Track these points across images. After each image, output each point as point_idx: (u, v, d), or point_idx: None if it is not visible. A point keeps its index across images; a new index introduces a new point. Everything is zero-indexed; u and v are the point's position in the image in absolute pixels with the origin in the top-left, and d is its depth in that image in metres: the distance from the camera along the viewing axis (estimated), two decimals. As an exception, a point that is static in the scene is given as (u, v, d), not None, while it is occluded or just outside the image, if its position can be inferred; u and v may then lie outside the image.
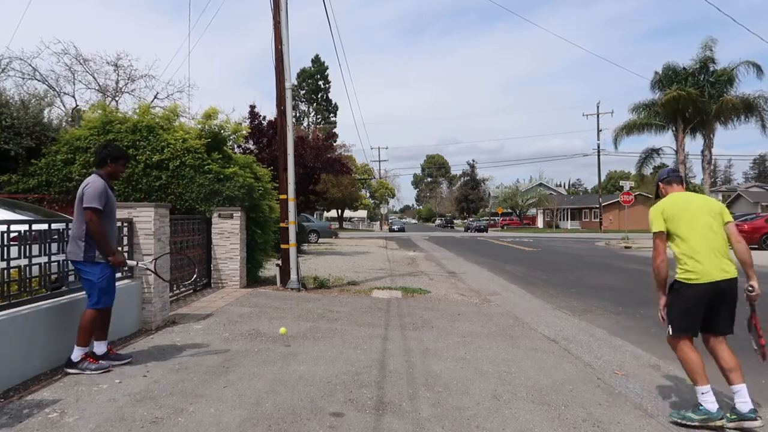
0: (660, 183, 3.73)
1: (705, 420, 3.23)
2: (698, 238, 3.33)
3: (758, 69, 29.52)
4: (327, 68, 61.97)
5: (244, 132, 10.96)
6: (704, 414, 3.24)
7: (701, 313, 3.36)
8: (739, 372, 3.34)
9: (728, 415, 3.27)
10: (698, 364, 3.34)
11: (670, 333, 3.43)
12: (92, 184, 4.01)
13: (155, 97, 19.89)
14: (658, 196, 3.73)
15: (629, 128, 33.62)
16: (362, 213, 76.11)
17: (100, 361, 4.10)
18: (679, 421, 3.30)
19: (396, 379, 4.09)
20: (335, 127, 57.33)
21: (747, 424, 3.18)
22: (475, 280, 11.49)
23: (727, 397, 3.55)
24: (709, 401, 3.26)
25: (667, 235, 3.44)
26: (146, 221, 5.46)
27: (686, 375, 3.47)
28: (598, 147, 48.10)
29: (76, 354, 4.01)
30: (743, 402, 3.23)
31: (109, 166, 4.21)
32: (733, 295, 3.38)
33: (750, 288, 3.36)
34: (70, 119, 10.24)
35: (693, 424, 3.25)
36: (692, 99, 29.63)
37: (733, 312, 3.43)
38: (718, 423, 3.22)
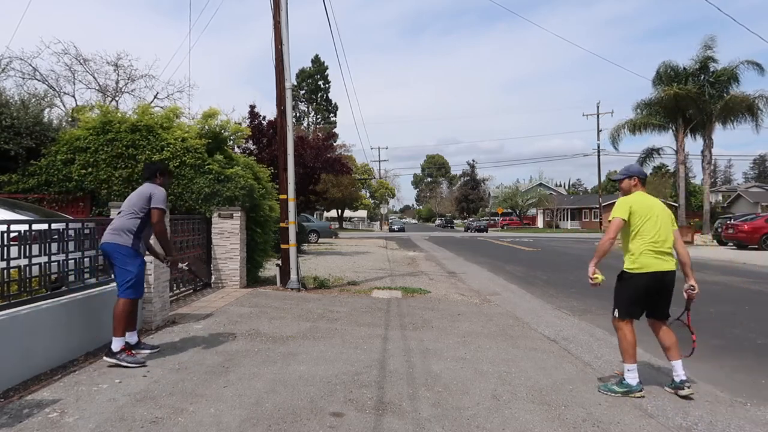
0: (637, 178, 4.07)
1: (626, 392, 3.77)
2: (655, 235, 3.83)
3: (759, 68, 29.46)
4: (327, 68, 62.00)
5: (245, 133, 10.96)
6: (626, 387, 3.79)
7: (644, 299, 3.88)
8: (676, 351, 3.89)
9: (669, 383, 3.94)
10: (632, 344, 3.85)
11: (617, 316, 3.92)
12: (158, 189, 4.43)
13: (155, 97, 19.91)
14: (621, 188, 4.14)
15: (630, 126, 33.58)
16: (362, 213, 76.08)
17: (137, 356, 4.30)
18: (604, 393, 3.82)
19: (396, 379, 4.09)
20: (335, 127, 57.37)
21: (679, 392, 3.82)
22: (475, 280, 11.49)
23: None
24: (632, 377, 3.82)
25: (625, 227, 3.92)
26: (146, 221, 5.45)
27: (621, 354, 3.92)
28: (598, 147, 48.11)
29: (116, 345, 4.19)
30: (677, 375, 3.86)
31: (158, 179, 4.61)
32: (671, 285, 3.88)
33: (691, 287, 3.91)
34: (70, 119, 10.23)
35: (616, 395, 3.77)
36: (692, 99, 29.61)
37: (669, 299, 3.93)
38: (638, 395, 3.76)
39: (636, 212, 3.88)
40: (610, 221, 3.94)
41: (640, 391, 3.78)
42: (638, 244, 3.84)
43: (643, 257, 3.81)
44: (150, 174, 4.67)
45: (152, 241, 4.83)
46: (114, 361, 4.14)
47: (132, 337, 4.55)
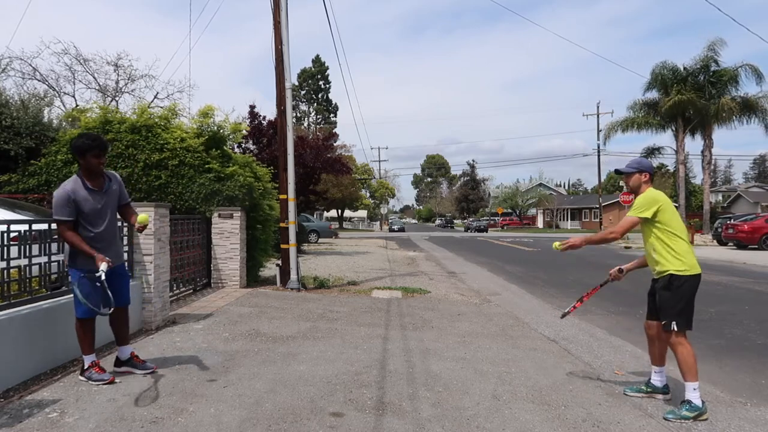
0: (648, 174, 3.77)
1: (698, 415, 3.39)
2: (685, 235, 3.60)
3: (758, 74, 29.41)
4: (327, 68, 62.06)
5: (244, 131, 10.95)
6: (696, 410, 3.40)
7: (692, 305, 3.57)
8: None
9: (644, 387, 3.85)
10: (695, 358, 3.50)
11: (676, 329, 3.47)
12: (58, 192, 3.70)
13: (155, 97, 19.90)
14: (628, 185, 3.83)
15: (628, 125, 33.55)
16: (362, 213, 76.12)
17: (105, 372, 3.87)
18: (673, 420, 3.37)
19: (396, 379, 4.09)
20: (335, 127, 57.41)
21: (659, 396, 3.77)
22: (475, 280, 11.49)
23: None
24: (698, 396, 3.45)
25: (653, 225, 3.60)
26: (146, 221, 5.44)
27: (683, 372, 3.50)
28: (598, 147, 48.02)
29: (86, 363, 3.87)
30: (663, 380, 3.81)
31: (80, 161, 3.78)
32: None
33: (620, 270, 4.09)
34: (70, 120, 10.23)
35: (689, 420, 3.36)
36: (693, 102, 29.61)
37: None
38: (704, 417, 3.40)
39: (667, 209, 3.58)
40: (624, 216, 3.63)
41: (706, 411, 3.44)
42: (681, 244, 3.54)
43: (689, 257, 3.53)
44: (76, 158, 3.89)
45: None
46: (83, 378, 3.82)
47: (123, 352, 4.12)
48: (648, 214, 3.55)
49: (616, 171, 3.97)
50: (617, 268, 4.13)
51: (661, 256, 3.56)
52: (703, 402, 3.45)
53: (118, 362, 4.11)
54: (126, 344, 4.14)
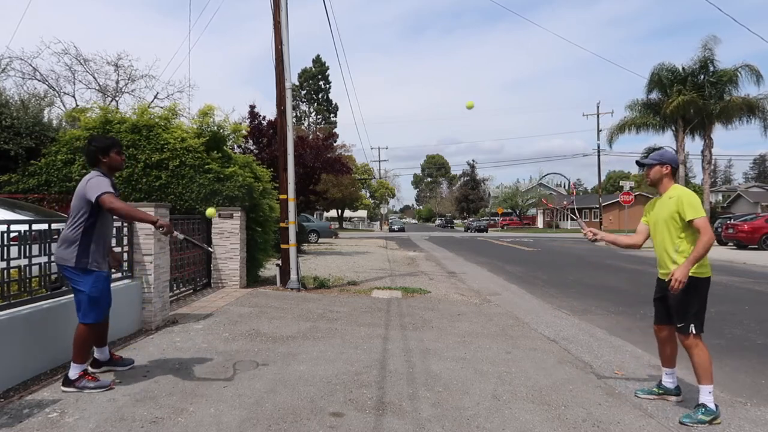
0: (669, 166, 3.62)
1: (713, 419, 3.33)
2: None
3: (756, 74, 29.41)
4: (328, 68, 62.04)
5: (244, 132, 10.95)
6: (711, 414, 3.34)
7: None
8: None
9: (655, 389, 3.81)
10: (711, 361, 3.42)
11: (694, 332, 3.42)
12: (95, 178, 3.63)
13: (155, 97, 19.93)
14: (649, 176, 3.69)
15: (629, 126, 33.57)
16: (362, 213, 76.14)
17: (100, 378, 3.78)
18: (689, 424, 3.30)
19: (396, 379, 4.09)
20: (335, 127, 57.40)
21: (671, 398, 3.73)
22: (475, 280, 11.48)
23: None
24: (713, 400, 3.39)
25: (686, 225, 3.44)
26: (146, 221, 5.44)
27: (698, 375, 3.43)
28: (598, 147, 47.99)
29: (73, 372, 3.64)
30: (674, 381, 3.77)
31: (103, 160, 3.79)
32: None
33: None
34: (71, 120, 10.24)
35: (705, 424, 3.31)
36: (694, 102, 29.62)
37: None
38: (718, 421, 3.35)
39: None
40: (693, 221, 3.39)
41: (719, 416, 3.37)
42: None
43: (707, 260, 3.48)
44: (91, 158, 3.82)
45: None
46: (74, 389, 3.59)
47: (101, 353, 4.06)
48: (704, 213, 3.42)
49: (637, 162, 3.89)
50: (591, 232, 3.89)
51: (685, 257, 3.45)
52: (717, 406, 3.38)
53: (97, 363, 4.03)
54: (105, 345, 4.09)
